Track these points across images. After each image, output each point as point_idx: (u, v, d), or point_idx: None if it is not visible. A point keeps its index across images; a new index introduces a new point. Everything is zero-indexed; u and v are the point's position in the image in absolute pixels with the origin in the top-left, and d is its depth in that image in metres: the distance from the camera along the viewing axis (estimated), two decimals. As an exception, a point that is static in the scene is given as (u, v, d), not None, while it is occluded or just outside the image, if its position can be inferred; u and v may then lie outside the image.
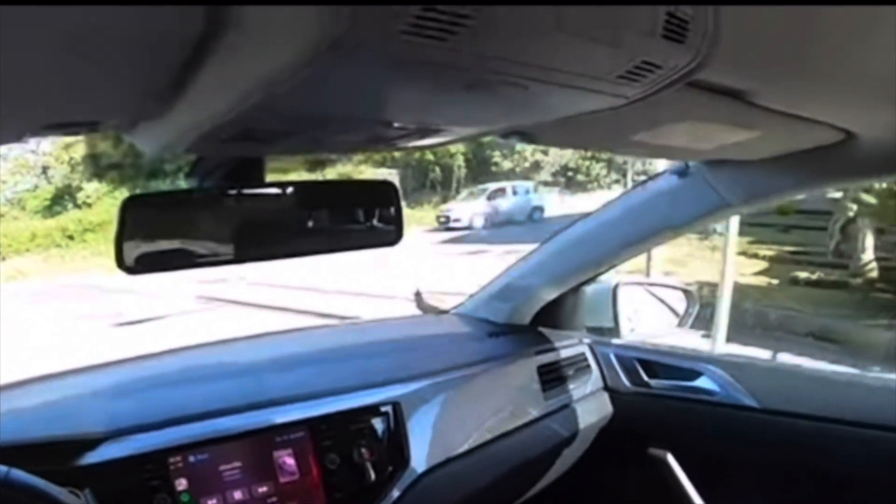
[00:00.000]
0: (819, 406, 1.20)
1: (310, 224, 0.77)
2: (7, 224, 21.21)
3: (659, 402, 1.39)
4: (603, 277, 1.43)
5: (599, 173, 19.08)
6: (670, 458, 1.37)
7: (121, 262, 0.65)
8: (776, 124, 0.76)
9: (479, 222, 15.73)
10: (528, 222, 15.72)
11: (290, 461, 0.98)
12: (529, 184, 17.39)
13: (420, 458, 1.07)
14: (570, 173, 18.09)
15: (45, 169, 24.58)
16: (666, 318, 1.49)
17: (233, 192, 0.72)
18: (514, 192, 16.72)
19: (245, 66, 0.43)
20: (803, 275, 7.49)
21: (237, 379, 1.09)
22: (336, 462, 1.00)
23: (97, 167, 21.08)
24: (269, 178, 0.74)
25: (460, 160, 19.94)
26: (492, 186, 16.85)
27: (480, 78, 0.46)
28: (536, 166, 19.24)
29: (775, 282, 7.57)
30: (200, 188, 0.73)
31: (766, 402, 1.26)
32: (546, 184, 18.63)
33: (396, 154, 19.03)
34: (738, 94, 0.65)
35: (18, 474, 0.73)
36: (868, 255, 7.32)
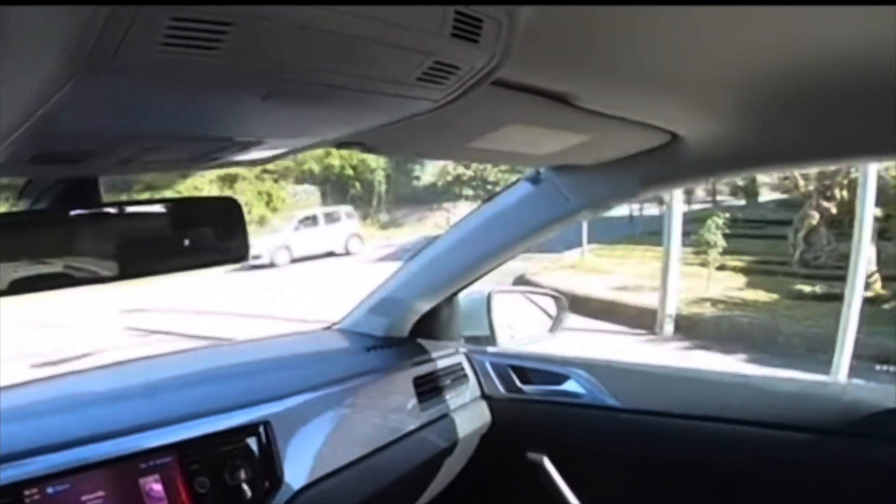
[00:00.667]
0: (676, 403, 1.27)
1: (153, 243, 0.76)
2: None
3: (533, 407, 1.42)
4: (478, 286, 1.45)
5: (517, 185, 19.47)
6: (546, 462, 1.40)
7: None
8: (603, 128, 0.79)
9: (282, 258, 13.76)
10: (345, 254, 14.44)
11: (158, 487, 0.95)
12: (346, 209, 16.05)
13: (296, 475, 1.06)
14: (489, 186, 18.50)
15: None
16: (544, 324, 1.53)
17: (64, 213, 0.69)
18: (329, 219, 15.18)
19: (9, 87, 0.41)
20: (808, 289, 6.85)
21: (103, 406, 1.06)
22: (206, 486, 0.98)
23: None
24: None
25: (381, 175, 19.83)
26: (300, 214, 15.32)
27: (275, 87, 0.45)
28: (458, 180, 19.50)
29: (775, 296, 6.99)
30: (30, 210, 0.70)
31: (627, 401, 1.32)
32: (467, 198, 18.85)
33: (315, 168, 18.77)
34: (560, 96, 0.67)
35: None
36: (871, 266, 6.58)
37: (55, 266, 0.69)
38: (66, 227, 0.69)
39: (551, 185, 1.12)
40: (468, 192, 19.16)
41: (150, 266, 0.77)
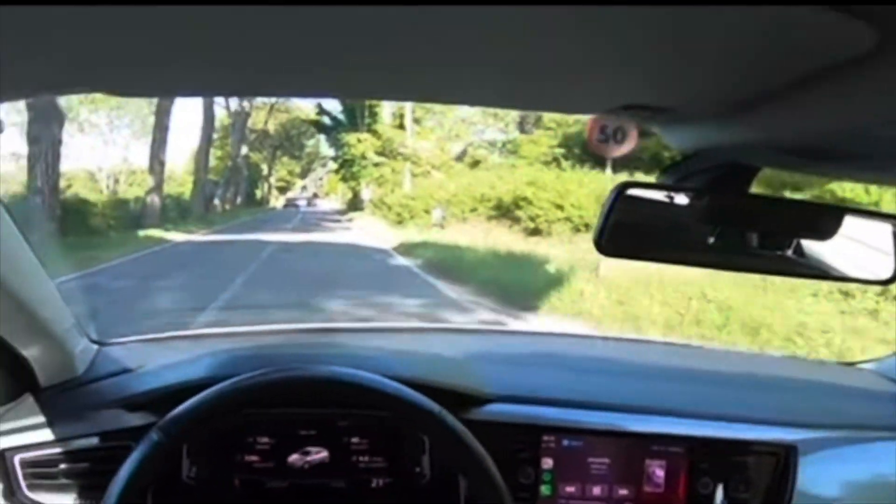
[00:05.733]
0: None
1: (792, 244, 0.77)
2: (504, 174, 16.45)
3: None
4: None
5: None
6: None
7: (598, 241, 0.71)
8: None
9: None
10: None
11: (660, 473, 1.03)
12: None
13: None
14: None
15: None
16: None
17: (720, 197, 0.73)
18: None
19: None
20: None
21: (620, 378, 1.21)
22: (709, 487, 1.03)
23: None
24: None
25: None
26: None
27: None
28: None
29: None
30: (683, 186, 0.75)
31: None
32: None
33: None
34: None
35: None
36: None
37: (703, 245, 0.74)
38: (717, 211, 0.73)
39: None
40: None
41: (784, 266, 0.78)
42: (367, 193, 25.18)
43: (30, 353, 0.97)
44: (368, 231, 17.43)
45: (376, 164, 23.54)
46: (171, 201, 21.49)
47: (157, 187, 17.85)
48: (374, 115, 24.34)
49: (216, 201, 26.26)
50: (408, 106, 22.69)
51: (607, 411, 1.03)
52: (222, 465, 0.99)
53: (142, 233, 14.71)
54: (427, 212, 16.83)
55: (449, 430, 0.83)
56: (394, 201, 19.50)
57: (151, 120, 20.67)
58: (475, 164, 21.75)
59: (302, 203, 35.01)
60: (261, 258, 10.50)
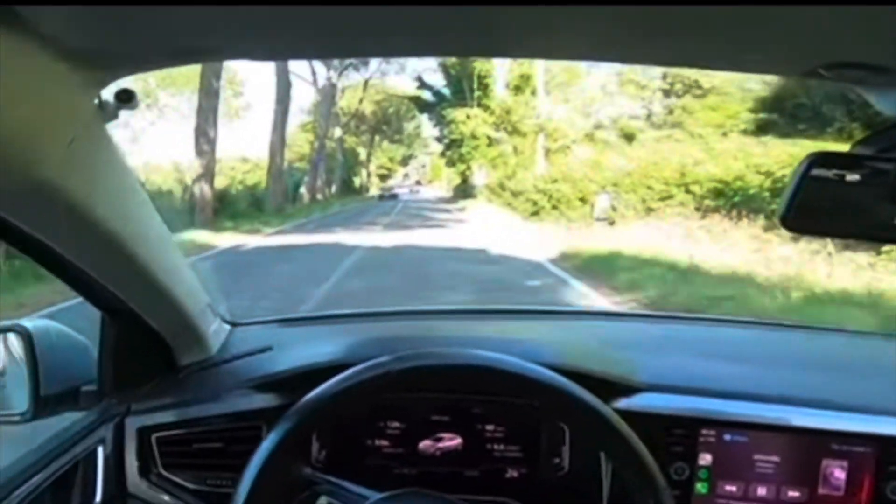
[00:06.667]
0: None
1: None
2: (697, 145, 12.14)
3: None
4: None
5: None
6: None
7: (784, 216, 0.65)
8: None
9: None
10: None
11: (840, 474, 0.93)
12: None
13: None
14: None
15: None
16: None
17: None
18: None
19: None
20: None
21: (790, 369, 1.09)
22: None
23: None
24: None
25: None
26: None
27: None
28: None
29: None
30: (886, 157, 0.65)
31: None
32: None
33: None
34: None
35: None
36: None
37: None
38: None
39: None
40: None
41: None
42: (479, 177, 22.03)
43: (168, 333, 0.99)
44: (491, 225, 12.68)
45: (491, 143, 20.63)
46: (244, 191, 18.07)
47: (207, 174, 13.65)
48: (484, 86, 21.55)
49: (302, 190, 22.54)
50: (539, 70, 19.81)
51: (777, 404, 0.93)
52: (351, 450, 0.98)
53: (183, 236, 10.70)
54: (583, 200, 12.35)
55: (604, 421, 0.74)
56: (524, 186, 15.33)
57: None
58: (629, 137, 16.77)
59: (403, 191, 32.17)
60: (319, 292, 5.65)
